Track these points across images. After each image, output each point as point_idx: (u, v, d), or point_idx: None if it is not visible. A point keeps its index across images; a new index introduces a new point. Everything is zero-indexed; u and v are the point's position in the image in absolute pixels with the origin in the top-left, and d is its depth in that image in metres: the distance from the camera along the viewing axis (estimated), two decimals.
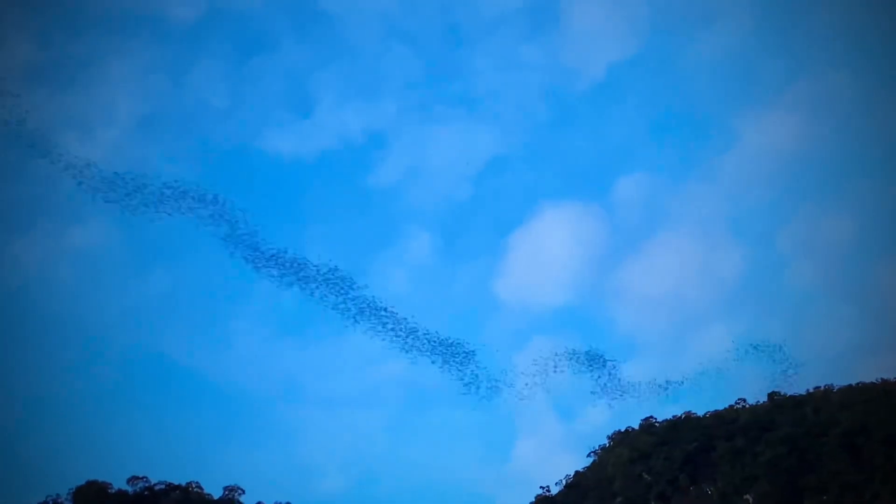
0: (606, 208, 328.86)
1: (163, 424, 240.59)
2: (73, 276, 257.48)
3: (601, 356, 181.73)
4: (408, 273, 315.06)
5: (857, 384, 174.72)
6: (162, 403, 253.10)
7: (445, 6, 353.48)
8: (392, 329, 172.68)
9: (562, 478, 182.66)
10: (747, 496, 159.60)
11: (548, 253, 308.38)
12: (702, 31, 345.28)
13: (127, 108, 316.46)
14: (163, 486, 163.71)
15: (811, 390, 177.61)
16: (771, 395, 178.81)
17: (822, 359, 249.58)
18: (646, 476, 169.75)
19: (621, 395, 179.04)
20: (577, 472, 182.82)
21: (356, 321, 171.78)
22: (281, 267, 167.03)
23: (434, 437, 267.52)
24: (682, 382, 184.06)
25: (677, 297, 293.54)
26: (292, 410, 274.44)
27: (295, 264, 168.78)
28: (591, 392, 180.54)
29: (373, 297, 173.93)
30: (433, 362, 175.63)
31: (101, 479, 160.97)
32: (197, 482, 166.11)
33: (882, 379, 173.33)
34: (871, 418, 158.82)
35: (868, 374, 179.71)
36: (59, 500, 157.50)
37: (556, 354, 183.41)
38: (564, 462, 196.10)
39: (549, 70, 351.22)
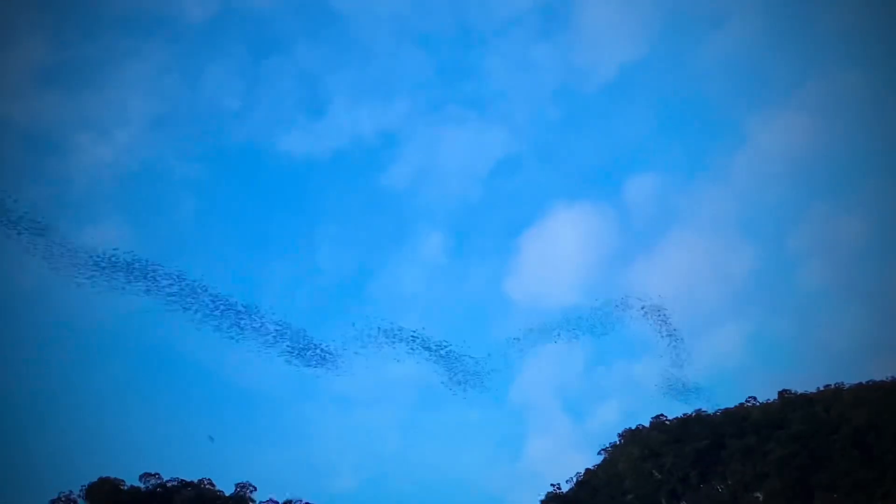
0: (617, 208, 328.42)
1: (176, 422, 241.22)
2: (87, 274, 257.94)
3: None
4: (419, 272, 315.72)
5: (868, 382, 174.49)
6: (175, 401, 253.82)
7: (457, 7, 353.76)
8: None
9: (572, 475, 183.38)
10: (758, 494, 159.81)
11: (559, 252, 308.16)
12: (712, 32, 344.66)
13: (140, 109, 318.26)
14: (175, 483, 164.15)
15: (822, 388, 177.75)
16: (781, 393, 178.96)
17: (833, 357, 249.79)
18: (656, 474, 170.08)
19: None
20: (587, 470, 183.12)
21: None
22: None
23: (445, 435, 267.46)
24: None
25: (688, 297, 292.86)
26: (304, 409, 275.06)
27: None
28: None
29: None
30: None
31: (113, 475, 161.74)
32: (209, 479, 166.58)
33: (893, 377, 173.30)
34: (882, 416, 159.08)
35: (879, 372, 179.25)
36: (72, 497, 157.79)
37: None
38: (575, 461, 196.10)
39: (561, 70, 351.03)
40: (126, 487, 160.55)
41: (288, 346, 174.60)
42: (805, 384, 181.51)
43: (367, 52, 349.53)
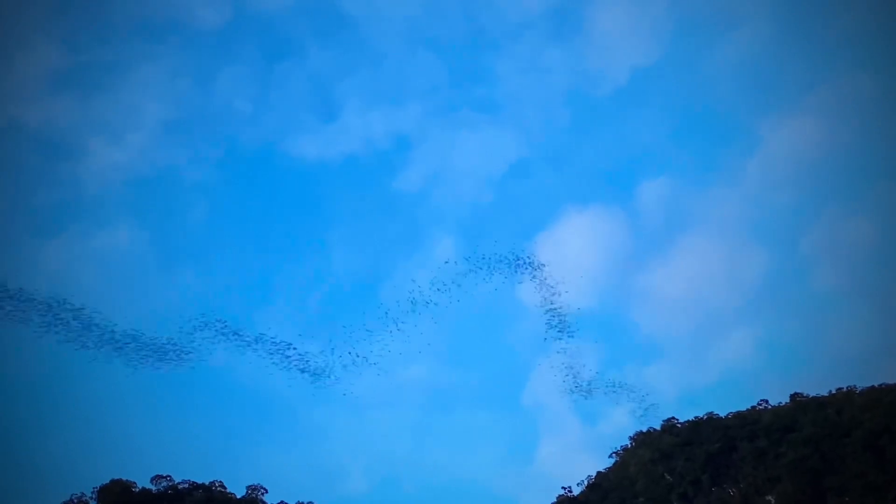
0: (630, 212, 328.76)
1: (188, 425, 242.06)
2: (101, 278, 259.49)
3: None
4: (431, 276, 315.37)
5: (881, 385, 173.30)
6: (188, 405, 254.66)
7: (470, 11, 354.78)
8: None
9: (584, 478, 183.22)
10: (769, 497, 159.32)
11: (571, 256, 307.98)
12: (724, 36, 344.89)
13: (154, 113, 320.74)
14: (186, 485, 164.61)
15: (834, 391, 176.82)
16: (793, 396, 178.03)
17: (844, 360, 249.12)
18: (668, 476, 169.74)
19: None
20: (598, 473, 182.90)
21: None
22: None
23: (456, 438, 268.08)
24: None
25: (700, 301, 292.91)
26: (316, 411, 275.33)
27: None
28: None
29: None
30: None
31: (125, 477, 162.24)
32: (220, 481, 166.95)
33: None
34: (894, 419, 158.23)
35: (891, 375, 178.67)
36: (84, 499, 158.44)
37: None
38: (587, 464, 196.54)
39: (573, 74, 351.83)
40: (137, 489, 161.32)
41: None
42: (817, 387, 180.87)
43: (380, 56, 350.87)
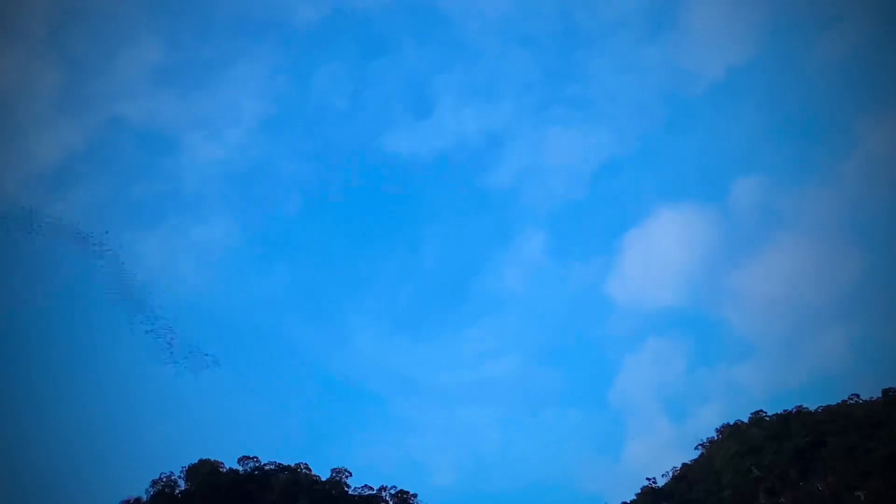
0: (723, 210, 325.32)
1: (280, 413, 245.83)
2: (198, 270, 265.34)
3: None
4: (521, 271, 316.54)
5: None
6: (280, 392, 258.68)
7: (564, 9, 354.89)
8: None
9: (668, 470, 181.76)
10: (859, 493, 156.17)
11: (663, 254, 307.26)
12: (822, 34, 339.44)
13: (251, 109, 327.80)
14: (272, 467, 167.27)
15: None
16: (885, 392, 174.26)
17: None
18: (755, 470, 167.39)
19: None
20: (684, 465, 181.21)
21: None
22: None
23: (545, 435, 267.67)
24: None
25: (794, 300, 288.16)
26: (406, 405, 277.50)
27: None
28: None
29: None
30: None
31: (213, 458, 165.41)
32: (305, 463, 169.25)
33: None
34: None
35: None
36: (173, 478, 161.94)
37: None
38: (674, 461, 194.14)
39: (667, 72, 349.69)
40: (225, 469, 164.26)
41: None
42: None
43: (474, 53, 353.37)
